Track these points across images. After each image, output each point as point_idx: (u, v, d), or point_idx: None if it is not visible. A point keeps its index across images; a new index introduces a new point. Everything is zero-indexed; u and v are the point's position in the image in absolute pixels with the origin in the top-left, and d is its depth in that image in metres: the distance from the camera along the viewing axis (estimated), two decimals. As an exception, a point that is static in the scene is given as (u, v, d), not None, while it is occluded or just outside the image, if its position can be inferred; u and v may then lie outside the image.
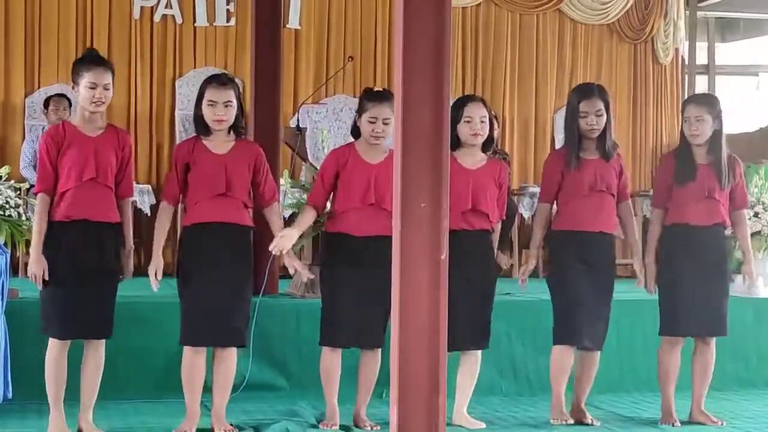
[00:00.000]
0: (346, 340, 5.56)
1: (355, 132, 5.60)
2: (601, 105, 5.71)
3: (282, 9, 7.99)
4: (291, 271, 5.60)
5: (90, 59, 5.15)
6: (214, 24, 10.73)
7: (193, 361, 5.31)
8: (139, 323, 6.33)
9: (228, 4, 10.72)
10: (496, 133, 9.99)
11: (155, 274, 5.26)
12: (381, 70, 11.11)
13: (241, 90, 5.52)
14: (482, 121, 5.63)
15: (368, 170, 5.47)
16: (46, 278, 5.04)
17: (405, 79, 4.03)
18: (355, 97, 9.63)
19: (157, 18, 10.57)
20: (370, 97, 5.52)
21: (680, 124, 5.97)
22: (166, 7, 10.58)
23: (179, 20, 10.63)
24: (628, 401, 6.69)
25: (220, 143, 5.32)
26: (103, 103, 5.09)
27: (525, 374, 6.92)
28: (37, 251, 5.04)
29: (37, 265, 5.04)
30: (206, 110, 5.26)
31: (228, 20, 10.74)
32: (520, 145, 11.55)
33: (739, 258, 6.92)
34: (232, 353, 5.43)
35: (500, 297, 6.78)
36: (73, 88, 5.17)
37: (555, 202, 5.87)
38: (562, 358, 5.80)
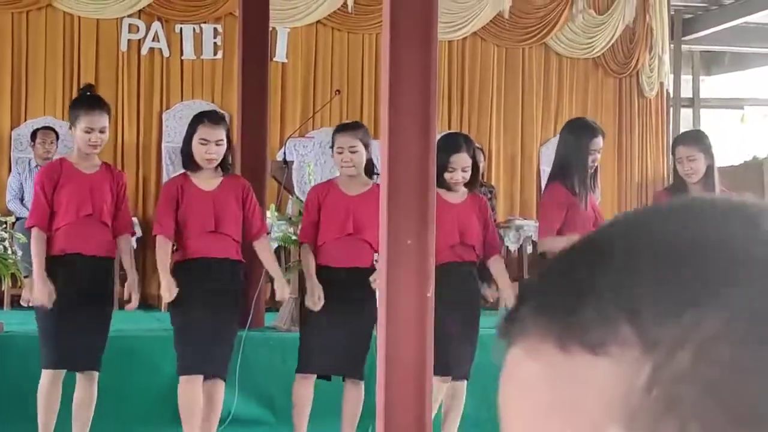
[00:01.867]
0: (320, 367, 5.57)
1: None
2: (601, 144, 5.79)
3: (269, 42, 8.01)
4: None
5: (88, 102, 5.24)
6: (201, 57, 10.76)
7: (190, 391, 5.34)
8: (129, 356, 6.32)
9: (215, 37, 10.75)
10: (482, 166, 10.08)
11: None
12: (368, 104, 11.15)
13: (228, 123, 5.59)
14: (464, 171, 5.69)
15: (347, 202, 5.54)
16: (54, 299, 5.08)
17: (391, 116, 4.05)
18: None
19: (144, 51, 10.59)
20: (337, 129, 5.71)
21: (671, 162, 6.01)
22: (153, 40, 10.60)
23: (166, 53, 10.65)
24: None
25: (207, 179, 5.37)
26: (99, 146, 5.22)
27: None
28: (42, 277, 5.09)
29: (43, 290, 5.07)
30: (198, 148, 5.30)
31: (215, 53, 10.76)
32: (506, 178, 11.58)
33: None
34: (221, 386, 5.47)
35: (485, 330, 6.81)
36: (70, 127, 5.25)
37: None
38: None
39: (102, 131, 5.19)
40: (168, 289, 5.25)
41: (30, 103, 10.31)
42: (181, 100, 10.67)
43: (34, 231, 5.16)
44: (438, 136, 4.88)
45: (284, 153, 9.18)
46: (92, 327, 5.21)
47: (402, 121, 4.10)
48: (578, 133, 5.78)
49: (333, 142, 5.63)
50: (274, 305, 8.79)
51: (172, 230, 5.37)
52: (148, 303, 10.02)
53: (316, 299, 5.41)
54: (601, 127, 5.90)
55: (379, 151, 4.79)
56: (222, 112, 10.06)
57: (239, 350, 6.07)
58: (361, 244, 5.49)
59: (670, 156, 11.44)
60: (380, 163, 4.13)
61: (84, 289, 5.18)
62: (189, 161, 5.37)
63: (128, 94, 10.53)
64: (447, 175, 5.59)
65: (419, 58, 4.15)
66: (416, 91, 4.13)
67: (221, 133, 5.33)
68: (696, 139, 5.94)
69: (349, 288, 5.45)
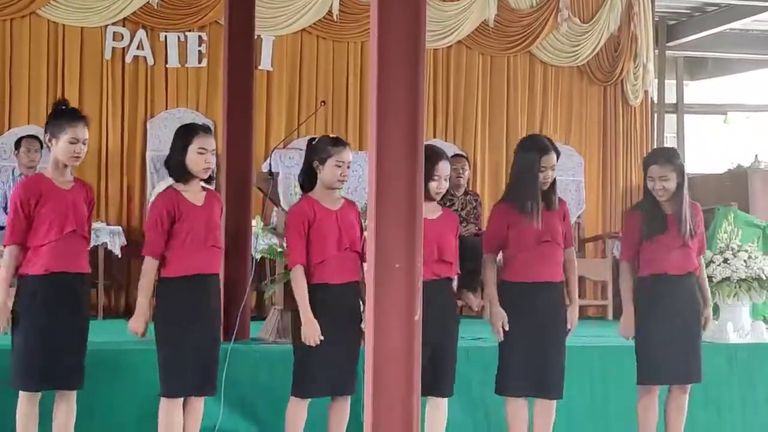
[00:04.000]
0: (318, 391, 5.54)
1: (310, 180, 5.61)
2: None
3: (254, 50, 7.98)
4: None
5: (71, 114, 5.21)
6: (185, 65, 10.72)
7: (172, 413, 5.31)
8: (109, 371, 6.28)
9: (200, 45, 10.72)
10: (467, 174, 10.08)
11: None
12: (352, 113, 11.12)
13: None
14: (446, 180, 5.70)
15: (334, 217, 5.52)
16: (5, 327, 5.05)
17: (379, 135, 4.04)
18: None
19: (128, 59, 10.54)
20: (333, 143, 5.58)
21: (643, 179, 6.02)
22: (137, 48, 10.55)
23: (151, 61, 10.61)
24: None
25: (196, 193, 5.38)
26: (81, 158, 5.19)
27: (497, 421, 6.89)
28: (3, 300, 5.03)
29: (1, 317, 5.04)
30: (196, 158, 5.30)
31: (200, 61, 10.73)
32: (491, 186, 11.58)
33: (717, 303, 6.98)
34: (202, 402, 5.46)
35: (470, 342, 6.82)
36: (49, 140, 5.20)
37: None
38: (516, 409, 5.77)
39: (84, 143, 5.19)
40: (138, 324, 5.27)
41: (14, 111, 10.25)
42: (166, 109, 10.63)
43: (9, 249, 5.09)
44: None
45: (269, 164, 9.15)
46: (71, 344, 5.17)
47: (391, 139, 4.09)
48: (528, 151, 5.79)
49: (327, 153, 5.52)
50: (259, 315, 8.78)
51: (162, 252, 5.31)
52: (131, 313, 9.97)
53: (316, 337, 5.36)
54: (553, 144, 5.85)
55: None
56: (207, 120, 10.11)
57: (224, 363, 6.05)
58: (353, 257, 5.52)
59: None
60: (368, 185, 4.11)
61: (66, 306, 5.15)
62: (183, 172, 5.34)
63: (112, 102, 10.49)
64: (432, 185, 5.57)
65: (406, 78, 4.16)
66: (404, 108, 4.12)
67: (214, 143, 5.37)
68: (668, 158, 5.95)
69: (347, 302, 5.47)
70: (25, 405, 5.11)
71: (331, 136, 5.72)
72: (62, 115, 5.24)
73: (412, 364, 3.96)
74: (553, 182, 5.80)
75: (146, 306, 5.29)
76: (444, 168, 5.66)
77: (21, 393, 5.13)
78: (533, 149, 5.78)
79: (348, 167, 5.56)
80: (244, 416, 6.51)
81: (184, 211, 5.30)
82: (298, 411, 5.54)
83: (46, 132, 5.26)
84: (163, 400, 5.32)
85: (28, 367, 5.10)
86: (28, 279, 5.09)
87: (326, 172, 5.53)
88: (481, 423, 6.85)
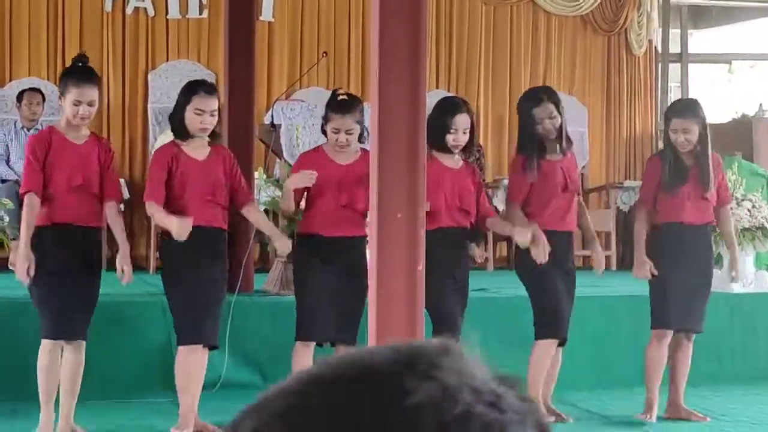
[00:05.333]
0: (321, 334, 5.57)
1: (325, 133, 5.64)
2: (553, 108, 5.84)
3: (255, 1, 7.93)
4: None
5: (78, 74, 5.19)
6: (186, 16, 10.66)
7: (193, 361, 5.34)
8: (117, 321, 6.31)
9: (200, -5, 10.67)
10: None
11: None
12: (354, 64, 11.09)
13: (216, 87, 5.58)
14: (465, 132, 5.71)
15: (339, 171, 5.50)
16: (32, 274, 5.06)
17: (381, 89, 4.01)
18: (329, 92, 9.62)
19: (129, 11, 10.49)
20: (335, 108, 5.52)
21: (660, 120, 6.05)
22: (137, -1, 10.52)
23: (151, 13, 10.56)
24: (603, 399, 6.71)
25: (197, 148, 5.37)
26: (87, 118, 5.19)
27: (501, 370, 6.92)
28: (26, 248, 5.06)
29: (23, 263, 5.05)
30: (192, 117, 5.29)
31: (201, 12, 10.67)
32: (495, 138, 11.55)
33: (720, 252, 6.98)
34: (206, 352, 5.47)
35: (475, 293, 6.82)
36: (60, 97, 5.19)
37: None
38: (543, 352, 5.82)
39: (91, 104, 5.15)
40: (180, 227, 5.15)
41: (14, 64, 10.22)
42: (167, 60, 10.59)
43: (29, 197, 5.12)
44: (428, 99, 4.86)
45: (272, 116, 9.12)
46: (83, 297, 5.19)
47: (391, 97, 4.07)
48: (526, 103, 5.90)
49: (328, 118, 5.51)
50: (263, 267, 8.79)
51: (164, 199, 5.33)
52: (136, 265, 9.99)
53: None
54: (552, 92, 5.97)
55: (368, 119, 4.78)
56: (209, 72, 10.07)
57: (229, 315, 6.07)
58: (353, 214, 5.50)
59: (659, 114, 11.47)
60: (370, 135, 4.09)
61: (74, 259, 5.16)
62: (181, 130, 5.34)
63: (113, 55, 10.45)
64: (449, 137, 5.61)
65: (408, 26, 4.11)
66: (406, 59, 4.09)
67: (215, 104, 5.35)
68: (691, 110, 5.94)
69: (342, 256, 5.47)
70: (47, 352, 5.17)
71: (340, 98, 5.56)
72: (71, 74, 5.22)
73: (415, 313, 3.96)
74: (559, 129, 5.83)
75: (175, 220, 5.20)
76: (462, 121, 5.66)
77: (43, 341, 5.18)
78: (531, 101, 5.88)
79: (348, 134, 5.46)
80: (248, 367, 6.54)
81: (181, 165, 5.31)
82: (303, 356, 5.56)
83: (60, 87, 5.24)
84: (182, 350, 5.35)
85: (45, 316, 5.15)
86: (35, 230, 5.11)
87: (329, 135, 5.51)
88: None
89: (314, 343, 5.58)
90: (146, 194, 5.41)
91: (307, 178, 5.40)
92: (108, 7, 10.42)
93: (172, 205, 5.32)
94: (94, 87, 5.18)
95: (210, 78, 9.07)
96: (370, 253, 4.09)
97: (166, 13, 10.60)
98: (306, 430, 0.77)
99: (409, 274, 3.94)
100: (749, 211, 7.54)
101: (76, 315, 5.16)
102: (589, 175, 11.70)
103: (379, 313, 3.98)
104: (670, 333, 5.95)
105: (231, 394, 6.26)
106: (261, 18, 10.51)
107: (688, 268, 5.89)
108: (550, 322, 5.78)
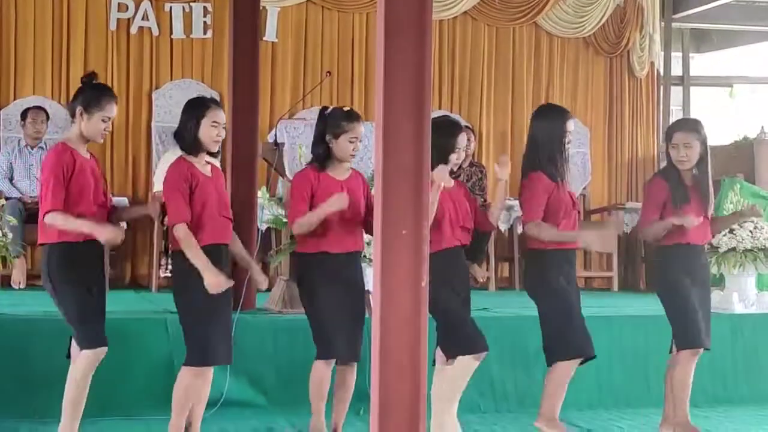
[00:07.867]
0: (342, 352, 5.51)
1: (324, 154, 5.57)
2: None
3: (259, 21, 7.96)
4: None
5: (108, 92, 5.28)
6: (190, 36, 10.71)
7: (196, 382, 5.31)
8: (116, 339, 6.30)
9: (205, 16, 10.71)
10: (472, 146, 10.07)
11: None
12: (358, 84, 11.12)
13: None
14: (464, 150, 5.74)
15: (340, 187, 5.50)
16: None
17: (386, 107, 4.03)
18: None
19: (133, 30, 10.55)
20: (346, 118, 5.54)
21: (662, 142, 6.05)
22: (142, 19, 10.56)
23: (156, 32, 10.61)
24: (606, 418, 6.71)
25: (203, 166, 5.36)
26: (105, 135, 5.29)
27: (503, 391, 6.93)
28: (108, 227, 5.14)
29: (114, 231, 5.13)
30: (209, 131, 5.28)
31: (205, 32, 10.72)
32: (496, 157, 11.52)
33: (714, 273, 6.99)
34: (211, 371, 5.45)
35: (477, 312, 6.82)
36: (81, 113, 5.17)
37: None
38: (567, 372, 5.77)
39: (113, 121, 5.28)
40: (217, 279, 5.14)
41: (19, 82, 10.26)
42: (171, 80, 10.64)
43: (57, 214, 5.06)
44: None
45: (275, 135, 9.15)
46: (101, 310, 5.28)
47: (396, 112, 4.08)
48: (552, 118, 5.82)
49: (341, 129, 5.50)
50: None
51: (189, 217, 5.23)
52: (138, 284, 10.01)
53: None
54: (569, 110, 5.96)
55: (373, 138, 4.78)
56: (213, 91, 10.11)
57: (231, 332, 6.06)
58: (355, 227, 5.53)
59: (661, 136, 11.48)
60: (375, 153, 4.11)
61: (96, 272, 5.26)
62: (194, 144, 5.31)
63: (118, 74, 10.49)
64: (453, 156, 5.59)
65: (414, 49, 4.13)
66: (411, 79, 4.11)
67: (225, 117, 5.39)
68: (693, 126, 5.94)
69: (345, 272, 5.48)
70: (88, 364, 5.20)
71: (345, 109, 5.65)
72: (101, 91, 5.24)
73: (419, 332, 3.96)
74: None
75: (209, 264, 5.19)
76: (463, 140, 5.70)
77: (83, 353, 5.18)
78: (558, 115, 5.84)
79: (360, 141, 5.57)
80: (250, 386, 6.53)
81: (198, 181, 5.28)
82: (323, 374, 5.54)
83: (76, 103, 5.21)
84: (186, 369, 5.30)
85: (82, 328, 5.19)
86: (63, 245, 5.14)
87: (339, 147, 5.52)
88: (487, 393, 6.87)
89: (334, 361, 5.57)
90: (172, 217, 5.22)
91: (343, 200, 5.40)
92: (113, 26, 10.48)
93: (193, 223, 5.21)
94: (116, 105, 5.30)
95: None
96: (373, 269, 4.08)
97: (171, 32, 10.66)
98: None
99: (413, 290, 3.94)
100: (751, 232, 7.56)
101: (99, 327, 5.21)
102: (591, 196, 11.72)
103: (383, 329, 3.99)
104: (700, 351, 5.95)
105: (233, 413, 6.26)
106: (265, 38, 10.58)
107: (698, 288, 5.91)
108: (579, 340, 5.71)
